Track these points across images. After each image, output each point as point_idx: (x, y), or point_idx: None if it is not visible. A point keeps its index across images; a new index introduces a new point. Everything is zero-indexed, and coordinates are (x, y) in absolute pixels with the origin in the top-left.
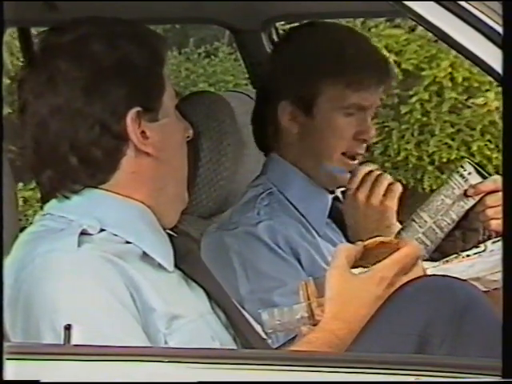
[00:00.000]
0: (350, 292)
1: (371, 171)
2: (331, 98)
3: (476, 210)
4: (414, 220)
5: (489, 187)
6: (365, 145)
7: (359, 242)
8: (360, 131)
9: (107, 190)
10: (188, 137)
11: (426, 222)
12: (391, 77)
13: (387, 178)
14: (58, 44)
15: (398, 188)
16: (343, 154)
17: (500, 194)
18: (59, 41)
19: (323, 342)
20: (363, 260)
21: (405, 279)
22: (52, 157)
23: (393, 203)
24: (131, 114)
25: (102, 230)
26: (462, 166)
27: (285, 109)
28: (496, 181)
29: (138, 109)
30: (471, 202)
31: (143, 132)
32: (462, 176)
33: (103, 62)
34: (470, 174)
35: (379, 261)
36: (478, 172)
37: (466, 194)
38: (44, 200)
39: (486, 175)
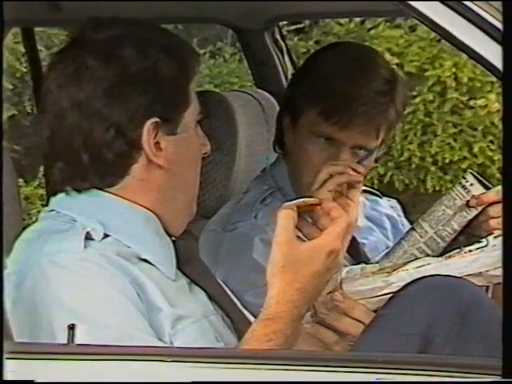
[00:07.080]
0: (301, 260)
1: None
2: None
3: (479, 220)
4: (414, 229)
5: (491, 198)
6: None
7: (290, 203)
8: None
9: (115, 194)
10: (205, 153)
11: (426, 232)
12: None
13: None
14: (90, 39)
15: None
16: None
17: None
18: (92, 37)
19: (291, 315)
20: None
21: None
22: (64, 149)
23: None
24: (148, 125)
25: (105, 236)
26: (464, 177)
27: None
28: (499, 192)
29: (157, 120)
30: (473, 213)
31: (158, 143)
32: (464, 187)
33: (131, 67)
34: (472, 185)
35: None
36: (481, 182)
37: (468, 205)
38: (50, 193)
39: (489, 186)
